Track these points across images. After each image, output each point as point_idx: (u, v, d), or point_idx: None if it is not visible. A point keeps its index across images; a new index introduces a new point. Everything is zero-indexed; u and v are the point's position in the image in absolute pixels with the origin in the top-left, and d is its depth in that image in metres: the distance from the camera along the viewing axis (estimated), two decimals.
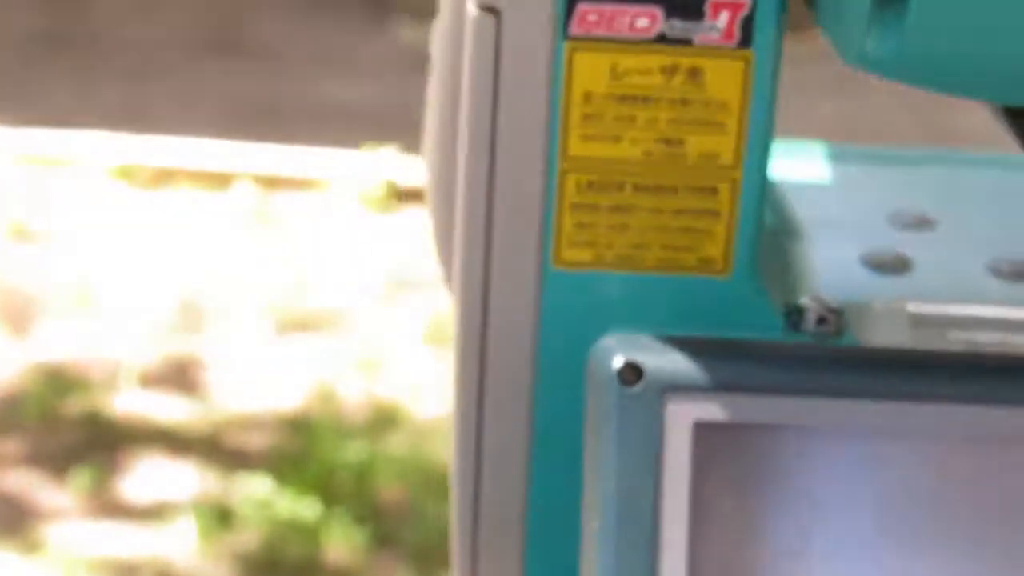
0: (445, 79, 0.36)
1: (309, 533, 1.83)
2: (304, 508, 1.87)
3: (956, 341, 0.35)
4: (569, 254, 0.34)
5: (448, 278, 0.37)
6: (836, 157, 0.43)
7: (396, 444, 2.08)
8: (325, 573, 1.82)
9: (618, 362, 0.32)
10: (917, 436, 0.32)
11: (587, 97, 0.33)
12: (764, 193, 0.34)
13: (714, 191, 0.34)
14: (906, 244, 0.38)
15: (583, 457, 0.35)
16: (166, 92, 3.33)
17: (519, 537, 0.37)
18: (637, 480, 0.32)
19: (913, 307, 0.35)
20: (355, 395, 2.20)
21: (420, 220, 2.78)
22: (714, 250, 0.34)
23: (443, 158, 0.36)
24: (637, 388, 0.32)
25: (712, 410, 0.32)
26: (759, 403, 0.32)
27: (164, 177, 2.95)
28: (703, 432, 0.32)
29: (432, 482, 2.02)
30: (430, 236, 0.38)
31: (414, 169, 2.82)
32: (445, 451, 2.19)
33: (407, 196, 2.96)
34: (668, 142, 0.33)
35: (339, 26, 3.93)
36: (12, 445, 2.07)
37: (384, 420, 2.12)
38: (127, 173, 2.90)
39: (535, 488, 0.36)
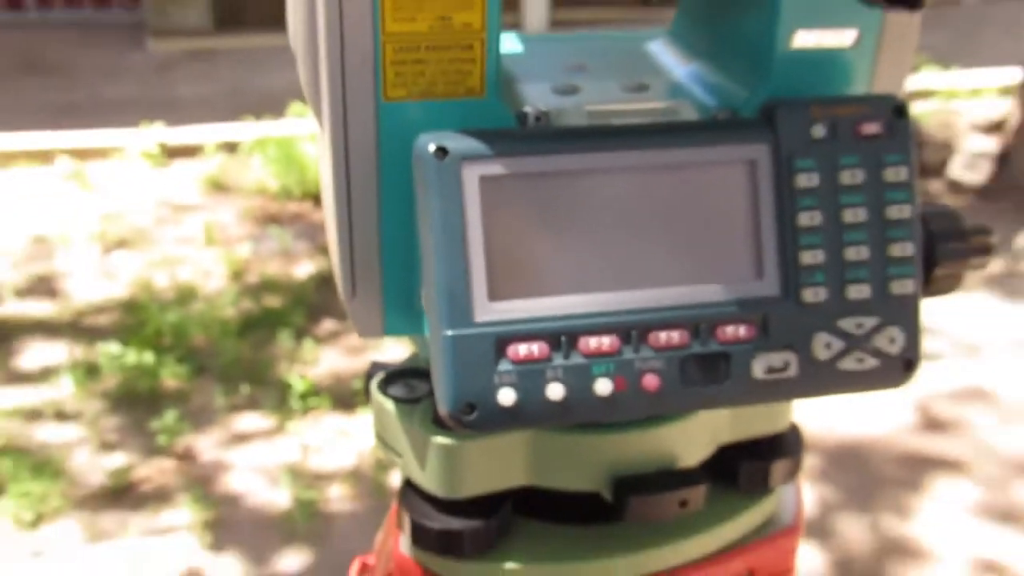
0: None
1: (150, 373, 2.14)
2: (144, 358, 2.19)
3: (615, 118, 0.46)
4: (392, 92, 0.43)
5: (317, 112, 0.45)
6: (531, 40, 0.53)
7: (195, 307, 2.39)
8: (166, 397, 2.08)
9: (432, 146, 0.41)
10: (603, 172, 0.43)
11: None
12: (499, 50, 0.44)
13: (470, 47, 0.43)
14: (575, 79, 0.49)
15: (415, 212, 0.44)
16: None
17: (378, 272, 0.46)
18: (451, 218, 0.41)
19: (587, 107, 0.47)
20: (162, 280, 2.54)
21: (184, 168, 3.25)
22: (475, 83, 0.43)
23: (308, 39, 0.44)
24: (446, 160, 0.41)
25: (491, 168, 0.41)
26: (519, 161, 0.42)
27: (4, 159, 3.32)
28: (487, 182, 0.41)
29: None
30: (304, 89, 0.45)
31: (177, 135, 3.38)
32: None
33: (174, 153, 3.41)
34: (442, 18, 0.43)
35: (106, 47, 4.42)
36: None
37: (186, 294, 2.48)
38: None
39: (386, 238, 0.45)
